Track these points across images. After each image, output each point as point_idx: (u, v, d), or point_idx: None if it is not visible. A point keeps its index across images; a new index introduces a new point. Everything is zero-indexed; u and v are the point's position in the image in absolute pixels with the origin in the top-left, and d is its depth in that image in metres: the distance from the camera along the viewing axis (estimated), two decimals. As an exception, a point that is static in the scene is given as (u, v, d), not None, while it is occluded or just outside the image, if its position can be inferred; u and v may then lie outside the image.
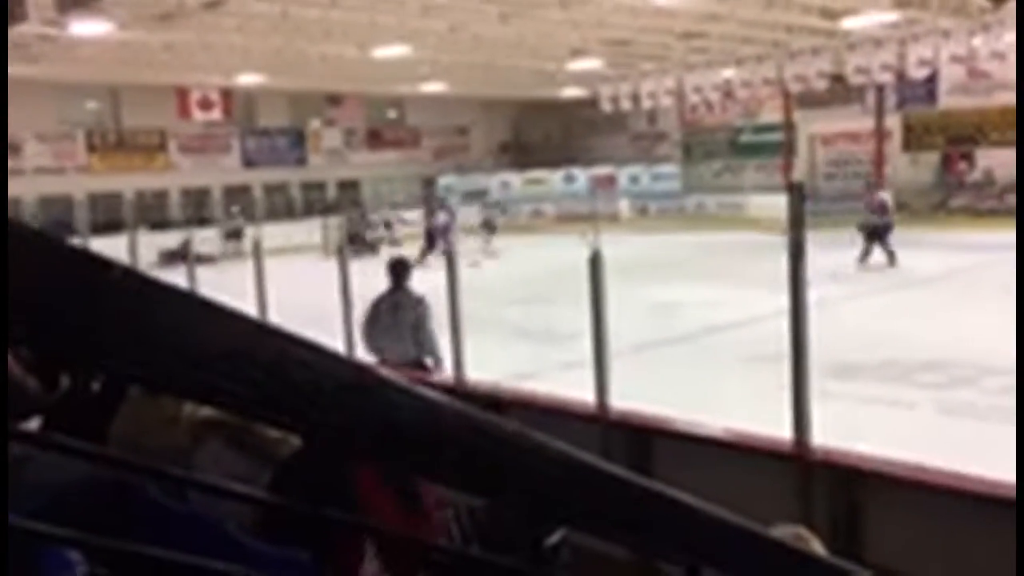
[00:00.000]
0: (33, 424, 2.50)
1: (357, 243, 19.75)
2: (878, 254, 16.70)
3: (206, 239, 21.00)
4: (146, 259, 13.66)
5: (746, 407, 5.89)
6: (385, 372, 0.65)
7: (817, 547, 2.38)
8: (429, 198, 22.28)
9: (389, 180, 31.83)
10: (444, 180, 32.41)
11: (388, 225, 26.23)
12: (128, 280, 0.53)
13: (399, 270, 6.96)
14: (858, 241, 16.84)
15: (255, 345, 0.56)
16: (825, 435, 4.17)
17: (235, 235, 23.54)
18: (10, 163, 25.87)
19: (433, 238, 20.12)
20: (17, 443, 1.52)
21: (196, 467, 1.93)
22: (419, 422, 0.64)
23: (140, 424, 2.09)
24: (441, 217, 20.77)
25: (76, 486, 1.42)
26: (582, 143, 36.67)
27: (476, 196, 31.95)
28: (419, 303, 6.79)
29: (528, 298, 14.42)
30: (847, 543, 3.85)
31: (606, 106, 27.84)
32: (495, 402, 5.46)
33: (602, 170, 32.76)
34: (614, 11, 17.94)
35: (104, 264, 0.52)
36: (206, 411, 2.07)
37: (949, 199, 26.06)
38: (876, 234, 16.61)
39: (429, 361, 6.81)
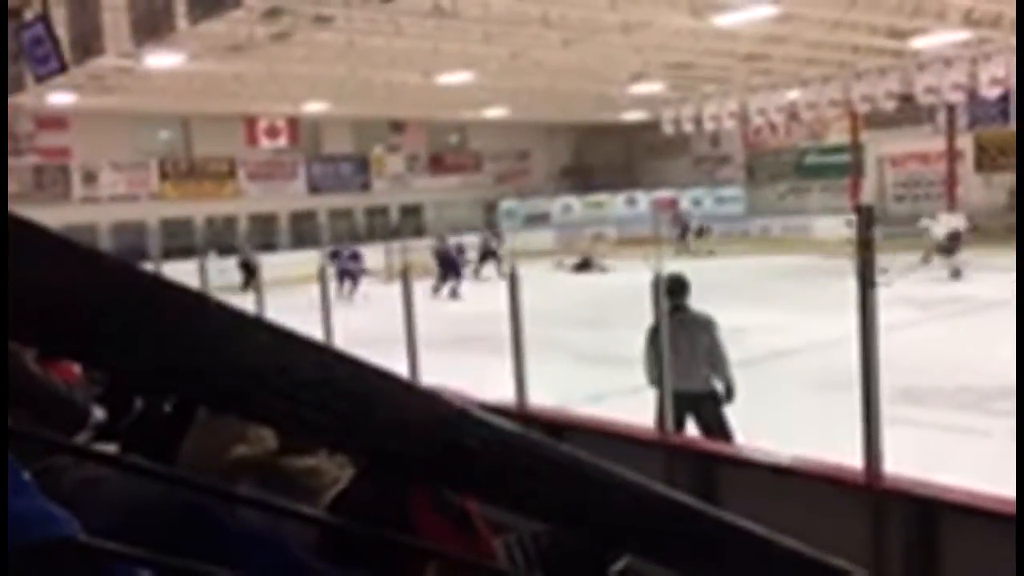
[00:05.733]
0: (110, 446, 2.57)
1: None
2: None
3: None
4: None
5: (814, 434, 5.75)
6: (460, 402, 0.66)
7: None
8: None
9: (451, 205, 32.12)
10: (506, 204, 32.58)
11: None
12: (220, 313, 0.55)
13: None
14: (930, 264, 16.46)
15: (340, 377, 0.57)
16: (897, 464, 4.04)
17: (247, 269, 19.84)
18: (86, 191, 26.82)
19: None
20: (92, 462, 1.56)
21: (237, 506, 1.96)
22: (492, 452, 0.65)
23: (209, 445, 2.13)
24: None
25: (148, 506, 1.45)
26: (644, 166, 36.53)
27: (538, 220, 32.04)
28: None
29: (591, 321, 14.35)
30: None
31: (668, 129, 27.71)
32: (557, 426, 5.43)
33: (664, 193, 32.54)
34: (675, 35, 17.89)
35: (199, 298, 0.54)
36: (240, 449, 2.09)
37: (1025, 221, 25.22)
38: None
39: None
